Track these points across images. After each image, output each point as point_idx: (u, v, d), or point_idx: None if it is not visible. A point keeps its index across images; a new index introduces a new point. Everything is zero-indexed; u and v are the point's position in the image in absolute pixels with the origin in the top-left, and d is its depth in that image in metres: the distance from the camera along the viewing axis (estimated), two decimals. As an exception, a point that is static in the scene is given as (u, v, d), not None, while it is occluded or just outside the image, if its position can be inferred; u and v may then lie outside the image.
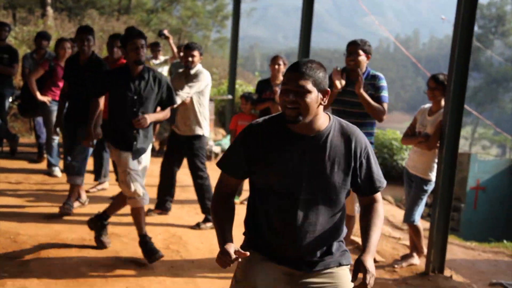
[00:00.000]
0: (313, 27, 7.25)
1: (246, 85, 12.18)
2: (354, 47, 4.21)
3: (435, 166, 4.50)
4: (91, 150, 4.98)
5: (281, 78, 5.99)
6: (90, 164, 5.21)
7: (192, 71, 5.04)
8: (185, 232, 4.94)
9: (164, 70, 8.14)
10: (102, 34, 12.46)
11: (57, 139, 6.47)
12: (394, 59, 75.29)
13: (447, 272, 4.58)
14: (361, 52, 4.20)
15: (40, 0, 15.50)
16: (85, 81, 4.73)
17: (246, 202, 6.00)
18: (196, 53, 5.00)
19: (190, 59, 4.99)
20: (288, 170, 2.00)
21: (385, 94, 4.22)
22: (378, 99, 4.17)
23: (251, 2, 35.65)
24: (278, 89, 5.88)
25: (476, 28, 47.34)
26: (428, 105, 4.67)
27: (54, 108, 6.35)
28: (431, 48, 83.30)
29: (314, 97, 1.96)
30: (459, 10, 4.31)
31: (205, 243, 4.70)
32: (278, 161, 2.01)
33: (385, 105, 4.20)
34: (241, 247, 2.12)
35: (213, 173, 4.65)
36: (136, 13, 19.73)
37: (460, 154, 9.95)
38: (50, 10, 14.56)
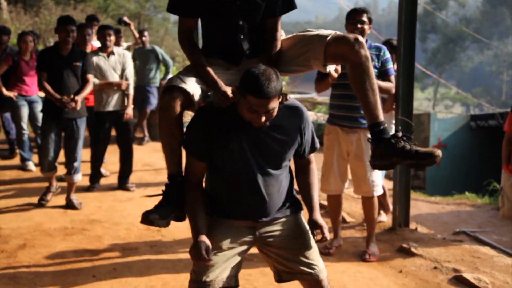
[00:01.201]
0: None
1: (210, 65, 12.23)
2: (361, 15, 3.97)
3: (393, 127, 4.77)
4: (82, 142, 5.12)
5: None
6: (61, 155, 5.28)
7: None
8: (163, 212, 5.12)
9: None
10: (60, 25, 12.29)
11: (27, 133, 6.53)
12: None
13: (412, 226, 4.91)
14: (367, 20, 3.99)
15: (-9, -7, 15.14)
16: (73, 72, 4.92)
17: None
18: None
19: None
20: (242, 153, 2.16)
21: (391, 66, 4.15)
22: (386, 73, 4.11)
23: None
24: None
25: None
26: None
27: (21, 103, 6.39)
28: (390, 13, 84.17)
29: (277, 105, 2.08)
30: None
31: (182, 223, 4.90)
32: (232, 145, 2.15)
33: (393, 78, 4.18)
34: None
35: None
36: (93, 0, 19.38)
37: (421, 115, 10.38)
38: (4, 3, 14.20)
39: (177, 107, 2.12)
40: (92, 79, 5.12)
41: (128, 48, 8.12)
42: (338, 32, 2.22)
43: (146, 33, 8.18)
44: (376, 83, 2.21)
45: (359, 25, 3.94)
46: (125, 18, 8.08)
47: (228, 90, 2.14)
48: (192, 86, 2.17)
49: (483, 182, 7.62)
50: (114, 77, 5.65)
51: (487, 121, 9.96)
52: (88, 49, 5.72)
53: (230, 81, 2.25)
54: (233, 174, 2.19)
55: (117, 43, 7.96)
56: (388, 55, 4.12)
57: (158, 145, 8.24)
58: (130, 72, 5.81)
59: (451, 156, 9.59)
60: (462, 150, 9.65)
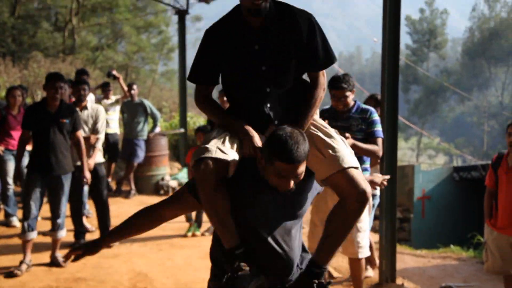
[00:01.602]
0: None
1: (197, 117, 12.37)
2: (341, 92, 3.94)
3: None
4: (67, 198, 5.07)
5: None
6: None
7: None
8: (150, 269, 5.09)
9: (116, 110, 8.30)
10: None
11: (12, 188, 6.49)
12: (339, 77, 77.20)
13: (399, 281, 4.91)
14: (348, 93, 3.98)
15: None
16: (59, 129, 4.86)
17: (207, 234, 6.23)
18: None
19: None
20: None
21: (378, 128, 4.05)
22: (372, 134, 4.01)
23: (195, 33, 36.07)
24: None
25: (411, 43, 49.81)
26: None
27: (8, 157, 6.38)
28: (373, 63, 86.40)
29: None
30: (384, 31, 4.72)
31: (171, 278, 4.86)
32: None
33: (379, 140, 4.04)
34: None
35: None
36: (81, 52, 19.70)
37: (405, 167, 10.53)
38: (-8, 56, 14.42)
39: (212, 177, 2.03)
40: (81, 136, 5.11)
41: (117, 101, 8.22)
42: (354, 170, 2.08)
43: (135, 87, 8.32)
44: (346, 238, 2.16)
45: (342, 99, 3.98)
46: (114, 72, 8.22)
47: (257, 137, 2.11)
48: (224, 152, 2.08)
49: (467, 234, 7.69)
50: (84, 131, 5.61)
51: (470, 173, 10.15)
52: (85, 104, 5.75)
53: None
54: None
55: (106, 96, 8.12)
56: (375, 117, 4.07)
57: (144, 198, 8.22)
58: (102, 126, 5.79)
59: (436, 208, 9.69)
60: (446, 202, 9.76)
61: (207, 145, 2.08)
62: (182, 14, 10.19)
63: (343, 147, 2.16)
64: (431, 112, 45.80)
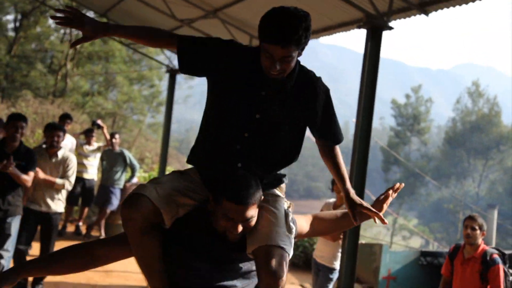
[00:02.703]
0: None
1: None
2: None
3: (339, 255, 5.03)
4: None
5: None
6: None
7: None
8: None
9: (97, 157, 8.46)
10: (35, 117, 12.61)
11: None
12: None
13: None
14: None
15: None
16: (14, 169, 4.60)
17: None
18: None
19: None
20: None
21: None
22: None
23: (187, 89, 36.79)
24: None
25: (395, 125, 51.13)
26: (332, 200, 5.28)
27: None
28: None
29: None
30: (358, 113, 5.03)
31: None
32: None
33: None
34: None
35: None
36: (72, 96, 19.97)
37: (374, 245, 10.65)
38: (-18, 90, 14.58)
39: (139, 217, 1.90)
40: (31, 176, 4.84)
41: (98, 149, 8.41)
42: (278, 250, 1.96)
43: (117, 136, 8.52)
44: None
45: None
46: (99, 121, 8.47)
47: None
48: (162, 196, 1.96)
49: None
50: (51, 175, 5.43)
51: (437, 258, 10.28)
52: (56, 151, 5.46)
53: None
54: None
55: (89, 142, 8.31)
56: None
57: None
58: (72, 175, 5.49)
59: (400, 289, 9.75)
60: (410, 284, 9.82)
61: (146, 184, 1.99)
62: (173, 73, 10.57)
63: (280, 224, 2.06)
64: (409, 194, 46.39)
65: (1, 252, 4.73)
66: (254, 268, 2.05)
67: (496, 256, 4.28)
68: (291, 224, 2.11)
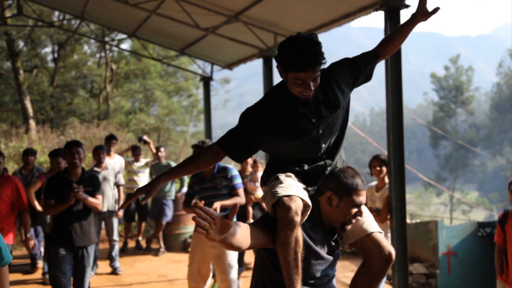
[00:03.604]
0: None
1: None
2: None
3: (389, 236, 5.10)
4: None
5: (249, 169, 6.59)
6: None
7: None
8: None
9: (146, 172, 8.79)
10: (84, 142, 13.15)
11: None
12: (372, 132, 77.90)
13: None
14: None
15: (22, 113, 16.34)
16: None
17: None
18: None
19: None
20: None
21: (238, 181, 4.71)
22: (233, 188, 4.68)
23: (224, 94, 37.19)
24: (247, 182, 6.46)
25: (437, 99, 49.97)
26: (374, 183, 5.35)
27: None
28: (405, 118, 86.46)
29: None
30: (387, 96, 5.10)
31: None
32: None
33: (240, 191, 4.71)
34: None
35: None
36: (115, 116, 20.63)
37: (429, 222, 10.56)
38: (32, 123, 15.30)
39: (300, 214, 2.15)
40: (101, 199, 4.80)
41: (146, 164, 8.73)
42: (379, 234, 2.39)
43: (162, 149, 8.81)
44: None
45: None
46: (145, 137, 8.77)
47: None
48: (304, 194, 2.26)
49: (492, 289, 7.65)
50: (105, 189, 6.60)
51: (494, 228, 10.12)
52: (103, 166, 6.86)
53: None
54: None
55: (136, 159, 8.65)
56: (234, 172, 4.71)
57: (173, 256, 8.53)
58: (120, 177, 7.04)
59: (462, 264, 9.62)
60: (471, 258, 9.68)
61: (286, 186, 2.23)
62: (207, 80, 10.84)
63: (366, 213, 2.42)
64: (462, 167, 45.22)
65: (82, 285, 4.65)
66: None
67: (545, 217, 4.25)
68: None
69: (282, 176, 2.31)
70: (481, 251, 9.81)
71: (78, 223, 4.60)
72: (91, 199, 4.62)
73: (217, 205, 4.36)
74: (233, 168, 4.83)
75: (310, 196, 2.30)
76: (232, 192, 4.68)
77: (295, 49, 2.15)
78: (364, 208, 2.38)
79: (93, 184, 4.73)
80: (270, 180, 2.36)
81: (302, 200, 2.18)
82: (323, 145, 2.38)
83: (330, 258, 2.31)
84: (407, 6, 4.88)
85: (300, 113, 2.29)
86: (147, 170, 8.79)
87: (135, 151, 8.75)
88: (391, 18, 4.84)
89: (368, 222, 2.39)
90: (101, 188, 4.84)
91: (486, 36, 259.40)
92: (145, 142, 8.73)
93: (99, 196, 4.76)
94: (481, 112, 57.22)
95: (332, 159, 2.43)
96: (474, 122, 49.79)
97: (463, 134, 46.60)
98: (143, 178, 8.72)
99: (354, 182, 2.24)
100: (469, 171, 47.71)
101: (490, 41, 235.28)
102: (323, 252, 2.28)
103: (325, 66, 2.28)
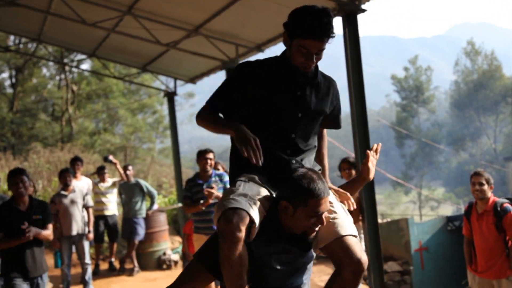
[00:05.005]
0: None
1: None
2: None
3: (363, 237, 5.17)
4: None
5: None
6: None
7: None
8: None
9: (114, 192, 8.67)
10: (49, 166, 12.88)
11: None
12: (338, 136, 78.75)
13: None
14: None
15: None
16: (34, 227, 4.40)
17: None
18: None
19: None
20: None
21: None
22: None
23: (189, 108, 37.07)
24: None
25: (400, 100, 51.07)
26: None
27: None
28: (370, 120, 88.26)
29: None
30: (351, 98, 5.19)
31: None
32: None
33: None
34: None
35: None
36: (79, 138, 20.30)
37: (399, 220, 10.74)
38: (-7, 151, 14.89)
39: (243, 229, 1.96)
40: (51, 228, 4.66)
41: (114, 184, 8.62)
42: (351, 239, 2.10)
43: (130, 167, 8.71)
44: None
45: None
46: (111, 157, 8.67)
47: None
48: (253, 206, 2.05)
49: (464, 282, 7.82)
50: (74, 212, 6.69)
51: (462, 222, 10.36)
52: (70, 189, 6.78)
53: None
54: None
55: (103, 180, 8.53)
56: (227, 178, 5.10)
57: (148, 274, 8.41)
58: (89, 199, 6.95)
59: (434, 258, 9.81)
60: (443, 252, 9.87)
61: (235, 197, 2.05)
62: (171, 96, 10.79)
63: (342, 214, 2.19)
64: (428, 164, 46.26)
65: None
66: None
67: (507, 205, 4.40)
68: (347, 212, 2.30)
69: (241, 181, 2.18)
70: (452, 245, 10.01)
71: (31, 254, 4.45)
72: (43, 232, 4.48)
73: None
74: (225, 173, 5.42)
75: (270, 203, 2.17)
76: None
77: (308, 15, 2.11)
78: (339, 209, 2.21)
79: (43, 212, 4.57)
80: (233, 182, 2.24)
81: (249, 215, 1.99)
82: (295, 133, 2.28)
83: (292, 268, 2.14)
84: (364, 11, 4.99)
85: (291, 80, 2.26)
86: (115, 190, 8.68)
87: (100, 171, 8.63)
88: (349, 23, 4.94)
89: (342, 224, 2.13)
90: (51, 216, 4.69)
91: (441, 36, 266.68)
92: (111, 162, 8.62)
93: (50, 226, 4.62)
94: (442, 110, 58.73)
95: (298, 157, 2.29)
96: (436, 120, 51.10)
97: (426, 132, 47.74)
98: (111, 199, 8.61)
99: (310, 190, 2.03)
100: (435, 167, 48.86)
101: (445, 40, 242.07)
102: (287, 260, 2.13)
103: (332, 42, 2.20)
